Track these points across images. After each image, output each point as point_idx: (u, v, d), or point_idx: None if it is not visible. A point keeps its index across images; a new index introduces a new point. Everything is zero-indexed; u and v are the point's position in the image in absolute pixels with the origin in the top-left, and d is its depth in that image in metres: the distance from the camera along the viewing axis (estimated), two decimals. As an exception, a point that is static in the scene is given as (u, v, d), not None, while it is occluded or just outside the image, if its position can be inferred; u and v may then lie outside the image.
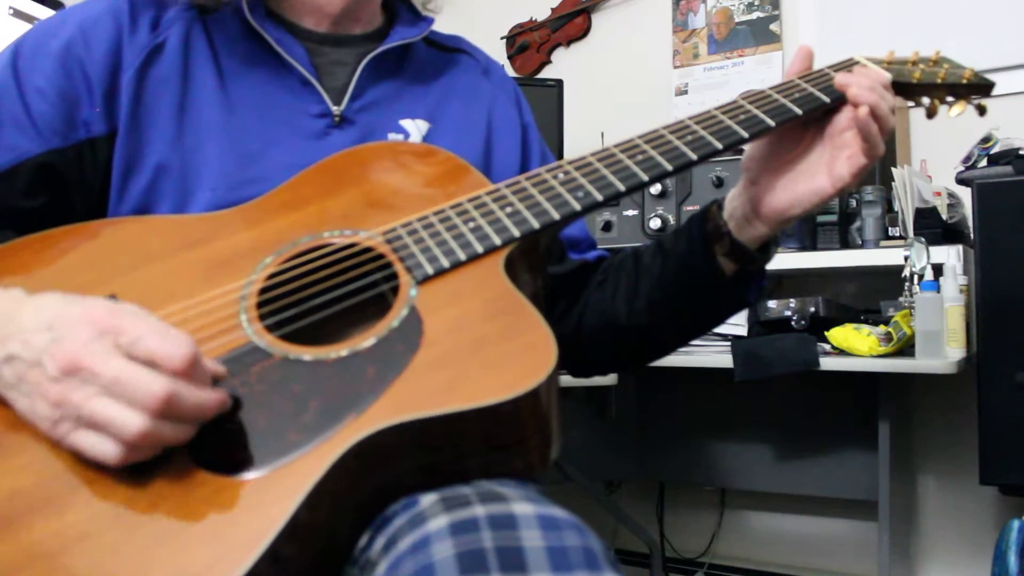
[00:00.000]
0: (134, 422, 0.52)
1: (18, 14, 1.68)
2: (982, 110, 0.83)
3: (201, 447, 0.56)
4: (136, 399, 0.53)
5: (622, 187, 0.71)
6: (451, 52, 0.97)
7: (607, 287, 0.89)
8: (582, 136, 2.46)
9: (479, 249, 0.67)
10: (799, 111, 0.75)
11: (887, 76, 0.77)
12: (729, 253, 0.80)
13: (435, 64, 0.94)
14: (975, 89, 0.83)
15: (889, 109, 0.74)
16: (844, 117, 0.75)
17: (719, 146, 0.73)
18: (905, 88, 0.81)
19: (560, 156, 0.82)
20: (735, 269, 0.80)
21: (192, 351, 0.54)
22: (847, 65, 0.80)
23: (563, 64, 2.79)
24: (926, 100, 0.83)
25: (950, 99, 0.83)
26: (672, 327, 0.88)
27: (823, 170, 0.75)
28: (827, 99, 0.76)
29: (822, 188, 0.75)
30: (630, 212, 2.07)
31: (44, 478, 0.55)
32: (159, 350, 0.54)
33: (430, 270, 0.66)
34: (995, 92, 0.84)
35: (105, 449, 0.53)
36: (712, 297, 0.83)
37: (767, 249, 0.81)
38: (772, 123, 0.75)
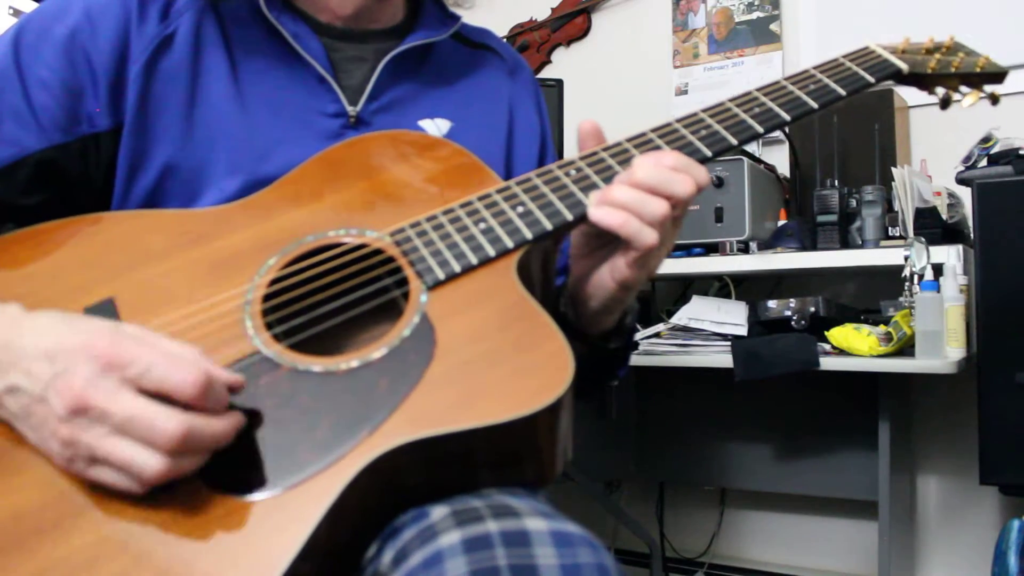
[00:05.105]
0: (152, 463, 0.51)
1: (18, 14, 1.68)
2: (995, 99, 0.81)
3: (212, 467, 0.54)
4: (152, 439, 0.51)
5: None
6: (477, 48, 0.93)
7: None
8: (582, 136, 2.46)
9: (491, 252, 0.65)
10: (815, 105, 0.72)
11: (671, 159, 0.66)
12: (575, 336, 0.73)
13: (459, 62, 0.90)
14: (988, 78, 0.81)
15: (660, 210, 0.64)
16: None
17: (734, 142, 0.71)
18: (919, 79, 0.80)
19: (561, 157, 0.80)
20: (585, 350, 0.74)
21: (204, 377, 0.52)
22: (862, 54, 0.78)
23: (563, 64, 2.78)
24: (940, 90, 0.81)
25: (964, 89, 0.81)
26: None
27: (608, 262, 0.69)
28: (814, 104, 0.72)
29: (606, 282, 0.69)
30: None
31: (50, 498, 0.53)
32: (170, 381, 0.52)
33: (441, 275, 0.64)
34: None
35: (124, 486, 0.52)
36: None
37: (611, 336, 0.75)
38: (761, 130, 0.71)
